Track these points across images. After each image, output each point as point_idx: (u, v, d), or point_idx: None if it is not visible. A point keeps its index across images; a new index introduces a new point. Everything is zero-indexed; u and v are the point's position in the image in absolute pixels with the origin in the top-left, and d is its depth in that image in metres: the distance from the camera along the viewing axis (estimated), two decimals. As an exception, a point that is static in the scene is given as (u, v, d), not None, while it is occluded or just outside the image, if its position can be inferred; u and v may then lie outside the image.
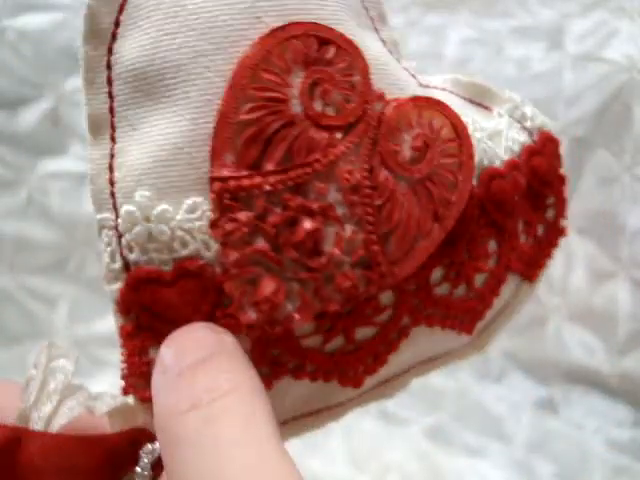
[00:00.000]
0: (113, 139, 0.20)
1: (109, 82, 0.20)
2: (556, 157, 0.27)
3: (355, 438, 0.52)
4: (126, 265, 0.20)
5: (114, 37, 0.20)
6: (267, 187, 0.19)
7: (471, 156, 0.22)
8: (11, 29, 0.53)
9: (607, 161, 0.53)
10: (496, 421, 0.55)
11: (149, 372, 0.19)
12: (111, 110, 0.20)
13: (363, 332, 0.22)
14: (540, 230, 0.27)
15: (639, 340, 0.53)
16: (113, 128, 0.20)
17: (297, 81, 0.20)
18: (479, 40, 0.58)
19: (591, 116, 0.53)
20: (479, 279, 0.24)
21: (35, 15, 0.54)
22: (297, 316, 0.19)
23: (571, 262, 0.55)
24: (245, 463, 0.16)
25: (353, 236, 0.20)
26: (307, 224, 0.19)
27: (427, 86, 0.25)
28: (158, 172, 0.19)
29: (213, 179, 0.19)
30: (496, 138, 0.25)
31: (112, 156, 0.20)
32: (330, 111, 0.20)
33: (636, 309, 0.53)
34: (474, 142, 0.23)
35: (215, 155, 0.19)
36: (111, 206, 0.20)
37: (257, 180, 0.19)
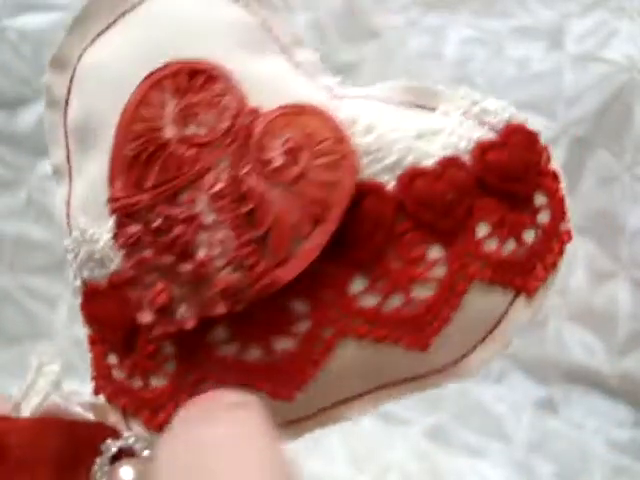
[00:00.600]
0: (70, 180, 0.25)
1: (65, 137, 0.25)
2: (528, 149, 0.25)
3: (355, 438, 0.52)
4: (83, 282, 0.24)
5: (67, 102, 0.25)
6: (146, 202, 0.23)
7: (349, 155, 0.22)
8: (11, 29, 0.53)
9: (607, 161, 0.54)
10: (496, 421, 0.55)
11: (110, 374, 0.23)
12: (68, 159, 0.25)
13: (282, 343, 0.22)
14: (529, 235, 0.25)
15: (639, 340, 0.53)
16: (70, 172, 0.25)
17: (170, 110, 0.23)
18: (479, 40, 0.58)
19: (591, 116, 0.53)
20: (420, 288, 0.23)
21: (35, 15, 0.54)
22: (186, 318, 0.22)
23: (571, 262, 0.55)
24: (243, 462, 0.16)
25: (225, 240, 0.22)
26: (176, 231, 0.22)
27: (342, 97, 0.25)
28: (90, 202, 0.24)
29: (109, 201, 0.23)
30: (430, 136, 0.24)
31: (69, 194, 0.25)
32: (201, 131, 0.23)
33: (636, 309, 0.53)
34: (383, 142, 0.23)
35: (111, 181, 0.23)
36: (69, 234, 0.25)
37: (138, 197, 0.23)
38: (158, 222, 0.22)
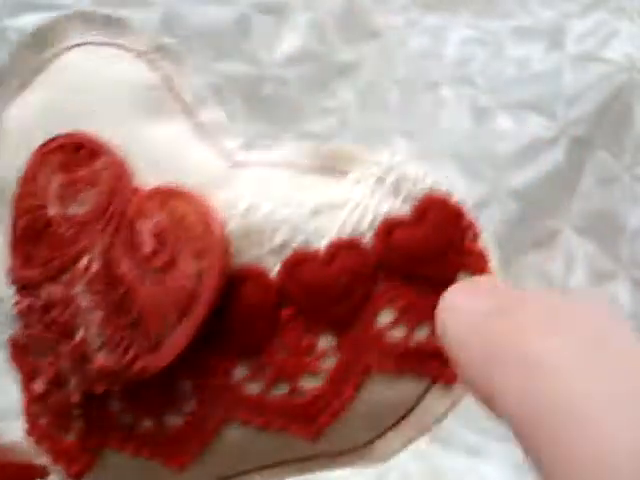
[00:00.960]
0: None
1: None
2: (448, 227, 0.22)
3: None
4: (9, 335, 0.25)
5: None
6: (35, 278, 0.23)
7: (218, 244, 0.21)
8: (11, 29, 0.53)
9: (607, 161, 0.53)
10: (496, 421, 0.54)
11: (37, 419, 0.24)
12: None
13: (171, 419, 0.23)
14: None
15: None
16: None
17: (54, 186, 0.23)
18: (479, 40, 0.58)
19: (591, 116, 0.53)
20: (308, 378, 0.22)
21: (35, 15, 0.54)
22: (73, 391, 0.22)
23: (571, 262, 0.55)
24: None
25: (101, 323, 0.22)
26: (56, 311, 0.22)
27: (243, 165, 0.24)
28: (2, 268, 0.24)
29: (8, 271, 0.24)
30: (329, 212, 0.22)
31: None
32: (81, 210, 0.23)
33: (636, 309, 0.53)
34: (268, 222, 0.22)
35: (10, 251, 0.24)
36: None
37: (29, 273, 0.23)
38: (43, 300, 0.23)
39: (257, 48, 0.59)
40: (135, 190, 0.22)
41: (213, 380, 0.22)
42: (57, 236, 0.23)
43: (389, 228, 0.22)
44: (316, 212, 0.22)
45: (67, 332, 0.22)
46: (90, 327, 0.22)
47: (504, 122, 0.56)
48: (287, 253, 0.22)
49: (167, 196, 0.22)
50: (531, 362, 0.14)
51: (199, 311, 0.21)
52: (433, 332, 0.21)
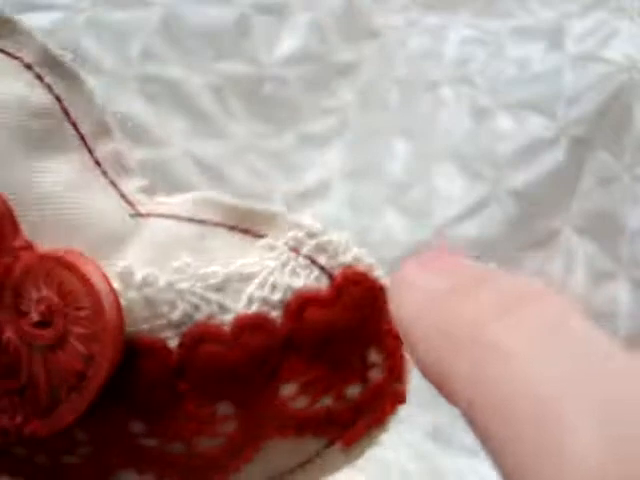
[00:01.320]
0: None
1: None
2: (364, 306, 0.21)
3: (355, 438, 0.52)
4: None
5: None
6: None
7: (109, 329, 0.19)
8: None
9: (607, 161, 0.53)
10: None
11: None
12: None
13: (67, 459, 0.22)
14: (353, 390, 0.22)
15: (639, 340, 0.53)
16: None
17: None
18: (479, 40, 0.58)
19: (591, 116, 0.53)
20: (208, 440, 0.21)
21: (35, 15, 0.54)
22: None
23: (571, 262, 0.55)
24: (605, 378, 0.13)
25: None
26: None
27: (148, 214, 0.21)
28: None
29: None
30: (236, 285, 0.20)
31: None
32: None
33: (636, 309, 0.53)
34: (167, 294, 0.20)
35: None
36: None
37: None
38: None
39: (257, 48, 0.59)
40: (20, 249, 0.20)
41: (110, 429, 0.21)
42: None
43: (301, 305, 0.20)
44: (221, 287, 0.20)
45: None
46: None
47: (504, 122, 0.56)
48: (187, 326, 0.20)
49: (55, 266, 0.19)
50: (486, 345, 0.14)
51: (90, 391, 0.20)
52: (336, 401, 0.21)
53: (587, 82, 0.53)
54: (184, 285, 0.20)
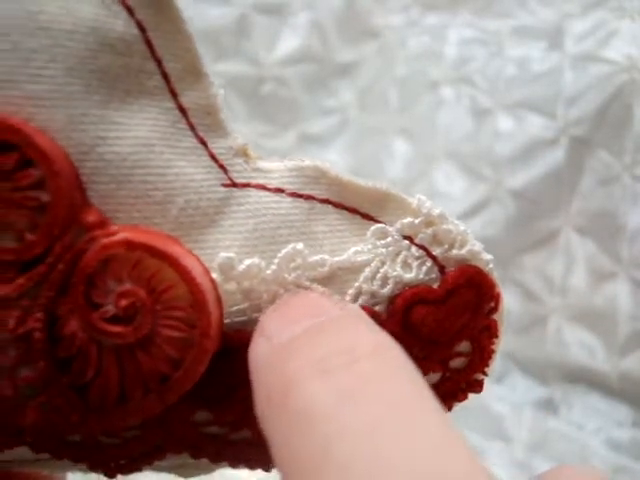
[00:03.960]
0: None
1: None
2: (473, 308, 0.19)
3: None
4: None
5: None
6: None
7: (207, 335, 0.16)
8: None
9: (607, 161, 0.53)
10: (496, 421, 0.55)
11: None
12: None
13: (106, 439, 0.19)
14: (431, 379, 0.20)
15: (639, 340, 0.53)
16: None
17: None
18: (479, 40, 0.58)
19: (591, 116, 0.53)
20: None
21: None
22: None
23: (571, 262, 0.55)
24: (410, 444, 0.13)
25: (29, 380, 0.17)
26: None
27: (245, 184, 0.17)
28: None
29: None
30: (345, 276, 0.18)
31: None
32: (8, 239, 0.16)
33: (636, 309, 0.53)
34: (272, 288, 0.17)
35: None
36: None
37: None
38: None
39: (257, 48, 0.59)
40: (94, 226, 0.16)
41: (170, 417, 0.19)
42: None
43: (409, 303, 0.18)
44: (329, 278, 0.18)
45: None
46: (9, 381, 0.17)
47: (504, 122, 0.56)
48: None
49: (145, 255, 0.16)
50: (296, 411, 0.14)
51: (173, 394, 0.17)
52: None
53: (587, 82, 0.53)
54: (291, 276, 0.17)
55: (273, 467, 0.21)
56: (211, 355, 0.17)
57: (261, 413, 0.15)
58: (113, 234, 0.16)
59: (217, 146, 0.17)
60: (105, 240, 0.16)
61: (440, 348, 0.19)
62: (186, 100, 0.16)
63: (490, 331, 0.20)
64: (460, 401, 0.21)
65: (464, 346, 0.20)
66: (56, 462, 0.19)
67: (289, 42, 0.60)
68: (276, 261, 0.17)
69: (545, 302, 0.55)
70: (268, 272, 0.17)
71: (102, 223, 0.16)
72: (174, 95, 0.16)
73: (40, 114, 0.15)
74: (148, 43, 0.16)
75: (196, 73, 0.16)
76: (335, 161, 0.61)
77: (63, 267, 0.16)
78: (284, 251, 0.17)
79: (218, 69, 0.57)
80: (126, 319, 0.16)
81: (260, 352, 0.16)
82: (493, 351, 0.20)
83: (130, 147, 0.16)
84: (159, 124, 0.16)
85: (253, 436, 0.19)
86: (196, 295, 0.16)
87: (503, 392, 0.56)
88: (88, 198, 0.16)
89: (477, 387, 0.21)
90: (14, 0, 0.14)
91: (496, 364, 0.22)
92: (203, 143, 0.17)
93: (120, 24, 0.15)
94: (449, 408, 0.21)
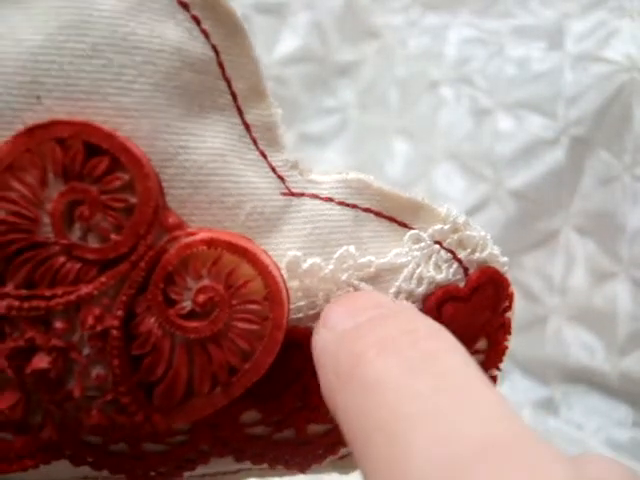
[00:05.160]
0: None
1: None
2: (492, 306, 0.21)
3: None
4: None
5: None
6: (2, 310, 0.17)
7: (280, 327, 0.18)
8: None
9: (607, 161, 0.53)
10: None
11: None
12: None
13: (151, 447, 0.20)
14: None
15: (639, 340, 0.53)
16: None
17: (52, 197, 0.16)
18: (479, 40, 0.58)
19: (591, 116, 0.53)
20: (314, 428, 0.21)
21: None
22: (45, 434, 0.18)
23: (571, 262, 0.55)
24: (469, 407, 0.14)
25: (101, 379, 0.18)
26: (40, 360, 0.17)
27: (301, 194, 0.19)
28: None
29: None
30: (387, 277, 0.20)
31: None
32: (92, 239, 0.17)
33: (636, 309, 0.53)
34: (326, 285, 0.19)
35: None
36: None
37: None
38: (17, 337, 0.17)
39: (257, 48, 0.59)
40: (174, 227, 0.17)
41: (219, 419, 0.19)
42: (49, 268, 0.17)
43: (440, 300, 0.20)
44: (374, 277, 0.19)
45: (48, 382, 0.17)
46: (79, 381, 0.17)
47: (504, 122, 0.55)
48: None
49: (225, 252, 0.17)
50: (362, 379, 0.15)
51: (239, 387, 0.18)
52: None
53: (587, 82, 0.53)
54: (344, 275, 0.19)
55: (309, 468, 0.22)
56: (279, 347, 0.18)
57: (329, 392, 0.16)
58: (194, 234, 0.17)
59: (275, 159, 0.19)
60: (187, 239, 0.17)
61: (464, 344, 0.20)
62: (250, 117, 0.18)
63: (505, 328, 0.22)
64: None
65: (481, 343, 0.22)
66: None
67: (289, 42, 0.60)
68: (332, 262, 0.19)
69: (545, 302, 0.55)
70: (326, 271, 0.19)
71: (181, 225, 0.17)
72: (240, 112, 0.18)
73: (127, 124, 0.16)
74: (220, 65, 0.18)
75: (259, 93, 0.18)
76: (335, 161, 0.61)
77: (145, 265, 0.17)
78: (339, 252, 0.19)
79: (218, 69, 0.57)
80: (203, 314, 0.17)
81: (325, 339, 0.17)
82: (506, 347, 0.22)
83: (206, 156, 0.17)
84: (228, 137, 0.18)
85: (297, 435, 0.20)
86: (272, 287, 0.17)
87: (503, 392, 0.56)
88: (167, 203, 0.17)
89: (492, 382, 0.23)
90: (109, 23, 0.16)
91: (496, 364, 0.23)
92: (264, 156, 0.19)
93: (199, 46, 0.17)
94: None
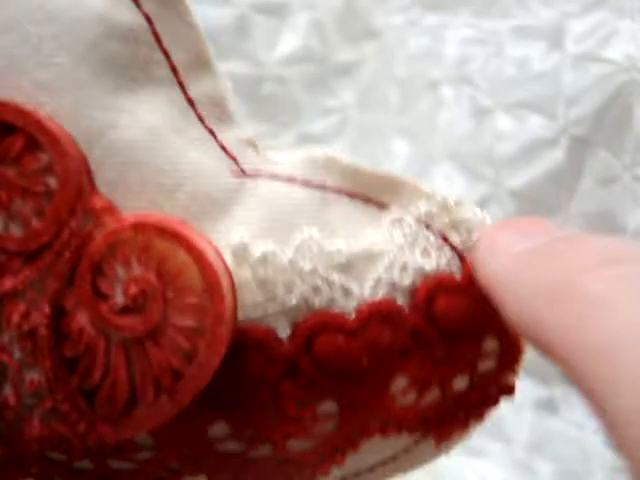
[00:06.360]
0: None
1: None
2: None
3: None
4: None
5: None
6: None
7: (222, 322, 0.15)
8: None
9: (607, 161, 0.53)
10: (496, 421, 0.55)
11: None
12: None
13: (117, 464, 0.18)
14: (461, 382, 0.19)
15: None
16: None
17: None
18: (479, 40, 0.58)
19: (591, 116, 0.53)
20: (296, 444, 0.18)
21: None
22: None
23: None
24: None
25: (35, 385, 0.16)
26: None
27: (255, 174, 0.17)
28: None
29: None
30: (362, 265, 0.17)
31: None
32: (14, 229, 0.15)
33: (636, 309, 0.53)
34: (285, 276, 0.16)
35: None
36: None
37: None
38: None
39: (257, 48, 0.59)
40: (102, 211, 0.15)
41: (184, 433, 0.17)
42: None
43: (431, 293, 0.17)
44: (346, 267, 0.17)
45: None
46: (16, 387, 0.16)
47: (504, 122, 0.55)
48: (302, 315, 0.17)
49: (155, 238, 0.15)
50: (584, 296, 0.14)
51: (186, 394, 0.16)
52: (443, 395, 0.19)
53: (587, 82, 0.53)
54: (307, 264, 0.17)
55: None
56: (226, 346, 0.16)
57: (528, 318, 0.15)
58: (123, 219, 0.15)
59: (226, 137, 0.17)
60: (115, 225, 0.15)
61: (466, 345, 0.18)
62: (194, 91, 0.16)
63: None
64: (490, 407, 0.20)
65: (491, 345, 0.19)
66: None
67: (289, 42, 0.60)
68: (291, 249, 0.17)
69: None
70: (283, 260, 0.16)
71: (110, 209, 0.15)
72: (182, 86, 0.16)
73: (49, 102, 0.15)
74: (155, 34, 0.16)
75: (204, 64, 0.17)
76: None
77: (70, 256, 0.15)
78: (300, 238, 0.17)
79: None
80: (136, 309, 0.15)
81: (500, 263, 0.16)
82: (523, 347, 0.20)
83: (140, 135, 0.16)
84: (168, 114, 0.16)
85: (275, 452, 0.18)
86: (209, 277, 0.15)
87: (503, 392, 0.56)
88: (96, 185, 0.15)
89: (507, 389, 0.20)
90: None
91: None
92: (212, 133, 0.17)
93: (127, 15, 0.15)
94: (481, 417, 0.21)
